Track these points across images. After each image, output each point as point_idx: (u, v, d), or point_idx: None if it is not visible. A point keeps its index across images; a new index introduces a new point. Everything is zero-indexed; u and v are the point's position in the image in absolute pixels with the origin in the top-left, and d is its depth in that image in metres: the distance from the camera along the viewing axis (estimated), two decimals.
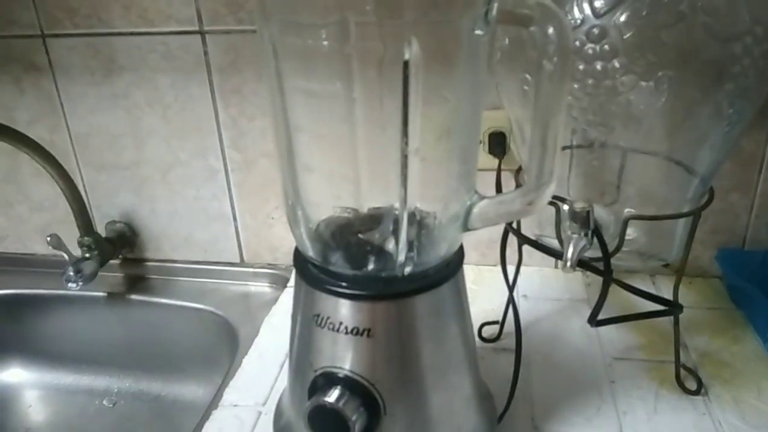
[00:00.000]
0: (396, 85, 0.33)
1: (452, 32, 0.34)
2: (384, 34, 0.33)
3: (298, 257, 0.42)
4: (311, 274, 0.40)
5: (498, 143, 0.66)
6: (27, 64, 0.73)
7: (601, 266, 0.48)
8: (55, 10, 0.69)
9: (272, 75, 0.35)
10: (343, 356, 0.39)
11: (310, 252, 0.41)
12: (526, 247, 0.53)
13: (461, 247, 0.41)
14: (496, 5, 0.32)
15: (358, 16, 0.32)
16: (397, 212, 0.37)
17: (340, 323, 0.38)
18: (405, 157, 0.35)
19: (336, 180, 0.38)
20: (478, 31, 0.33)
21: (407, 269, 0.38)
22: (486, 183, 0.61)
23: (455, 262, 0.40)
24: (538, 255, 0.52)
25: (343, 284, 0.38)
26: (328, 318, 0.39)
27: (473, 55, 0.36)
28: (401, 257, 0.38)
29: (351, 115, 0.34)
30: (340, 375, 0.39)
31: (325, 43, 0.32)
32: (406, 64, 0.31)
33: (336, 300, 0.38)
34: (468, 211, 0.38)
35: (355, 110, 0.34)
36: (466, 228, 0.39)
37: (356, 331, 0.38)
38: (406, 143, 0.34)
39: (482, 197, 0.39)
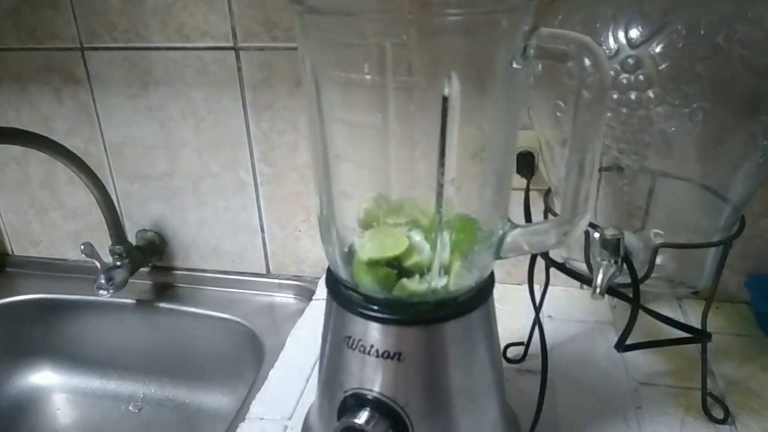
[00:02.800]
0: (431, 115, 0.33)
1: (490, 66, 0.35)
2: (422, 66, 0.34)
3: (330, 277, 0.42)
4: (343, 296, 0.41)
5: (527, 163, 0.66)
6: (66, 75, 0.75)
7: (629, 293, 0.48)
8: (95, 24, 0.71)
9: (314, 105, 0.36)
10: (373, 378, 0.40)
11: (342, 273, 0.41)
12: (553, 268, 0.53)
13: (492, 274, 0.42)
14: (534, 41, 0.33)
15: (396, 40, 0.33)
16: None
17: (371, 346, 0.39)
18: (441, 186, 0.36)
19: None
20: (515, 65, 0.34)
21: (441, 294, 0.39)
22: (514, 202, 0.61)
23: (486, 289, 0.41)
24: (565, 275, 0.52)
25: (375, 308, 0.39)
26: (359, 340, 0.39)
27: (510, 87, 0.36)
28: (434, 282, 0.38)
29: (387, 145, 0.35)
30: (370, 397, 0.39)
31: (368, 77, 0.33)
32: (445, 99, 0.32)
33: (367, 323, 0.39)
34: (501, 240, 0.39)
35: (391, 140, 0.35)
36: (498, 256, 0.39)
37: (387, 355, 0.39)
38: (443, 173, 0.35)
39: (515, 225, 0.39)
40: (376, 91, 0.34)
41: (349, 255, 0.40)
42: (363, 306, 0.39)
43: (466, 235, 0.38)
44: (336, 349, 0.42)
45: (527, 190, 0.62)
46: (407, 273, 0.39)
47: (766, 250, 0.67)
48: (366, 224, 0.41)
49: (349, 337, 0.40)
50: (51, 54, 0.74)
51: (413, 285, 0.38)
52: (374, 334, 0.39)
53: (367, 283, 0.39)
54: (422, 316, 0.39)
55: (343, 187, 0.38)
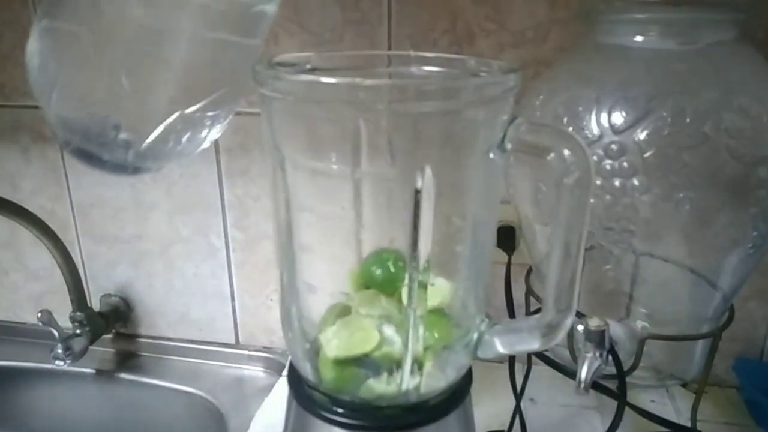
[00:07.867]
0: (404, 207, 0.31)
1: (466, 157, 0.33)
2: (394, 157, 0.31)
3: (293, 372, 0.39)
4: (305, 395, 0.37)
5: (508, 238, 0.64)
6: (35, 134, 0.72)
7: (614, 384, 0.45)
8: None
9: (279, 190, 0.33)
10: None
11: (304, 370, 0.38)
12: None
13: (469, 371, 0.39)
14: (513, 132, 0.31)
15: (368, 129, 0.31)
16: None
17: None
18: (413, 281, 0.33)
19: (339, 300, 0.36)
20: (492, 156, 0.32)
21: (412, 397, 0.35)
22: (495, 275, 0.59)
23: (462, 390, 0.38)
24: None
25: (339, 411, 0.35)
26: None
27: (487, 177, 0.34)
28: (405, 384, 0.35)
29: (358, 239, 0.33)
30: None
31: (335, 166, 0.31)
32: (417, 191, 0.29)
33: (330, 428, 0.35)
34: (479, 339, 0.36)
35: (362, 233, 0.33)
36: (475, 356, 0.36)
37: None
38: (415, 267, 0.32)
39: (494, 322, 0.36)
40: (346, 180, 0.32)
41: (312, 352, 0.37)
42: (326, 408, 0.36)
43: (440, 333, 0.35)
44: None
45: (508, 266, 0.60)
46: (376, 372, 0.36)
47: (755, 334, 0.64)
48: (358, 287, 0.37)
49: None
50: (20, 111, 0.72)
51: (381, 386, 0.35)
52: None
53: (331, 382, 0.36)
54: (390, 422, 0.35)
55: (308, 280, 0.35)
